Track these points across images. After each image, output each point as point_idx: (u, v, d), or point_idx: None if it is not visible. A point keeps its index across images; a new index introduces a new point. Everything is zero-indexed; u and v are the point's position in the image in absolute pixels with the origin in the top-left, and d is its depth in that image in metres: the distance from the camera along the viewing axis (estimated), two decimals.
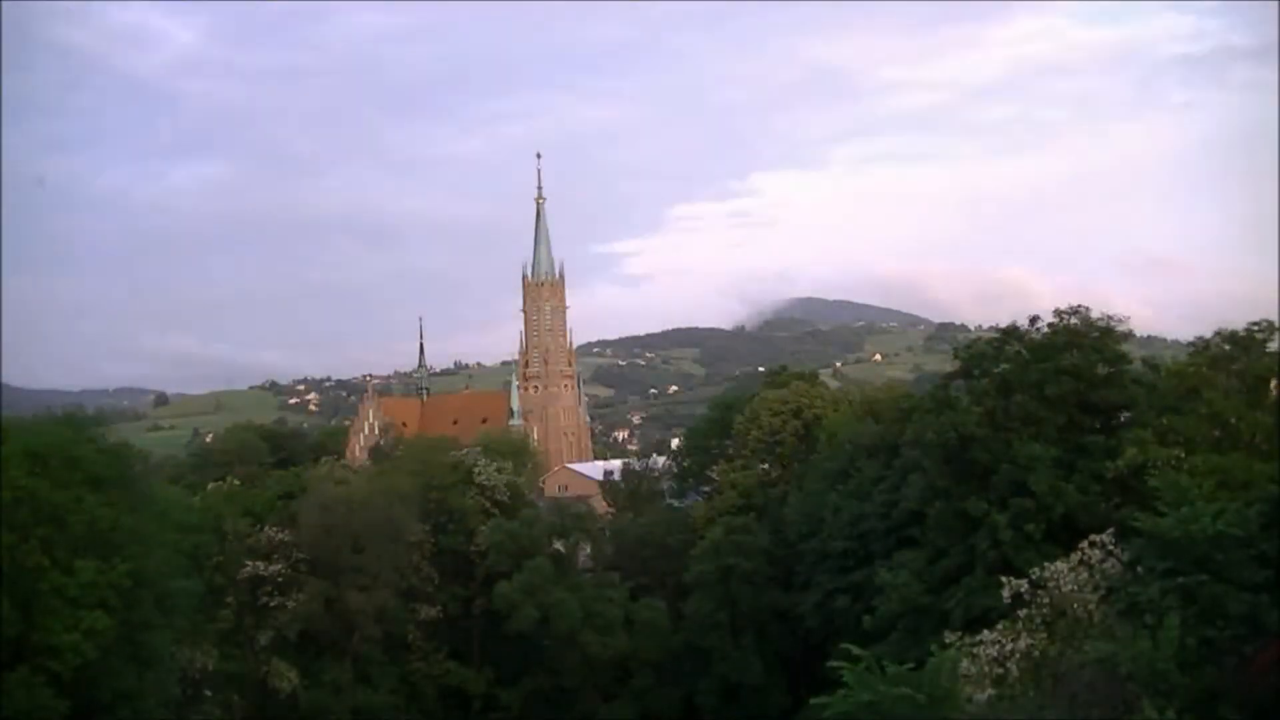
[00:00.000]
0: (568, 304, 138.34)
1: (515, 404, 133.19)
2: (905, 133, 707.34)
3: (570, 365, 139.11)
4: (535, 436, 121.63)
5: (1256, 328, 34.42)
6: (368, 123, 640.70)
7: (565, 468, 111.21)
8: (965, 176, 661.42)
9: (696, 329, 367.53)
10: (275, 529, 50.05)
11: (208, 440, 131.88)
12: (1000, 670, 26.28)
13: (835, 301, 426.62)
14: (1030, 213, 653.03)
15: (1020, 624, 27.44)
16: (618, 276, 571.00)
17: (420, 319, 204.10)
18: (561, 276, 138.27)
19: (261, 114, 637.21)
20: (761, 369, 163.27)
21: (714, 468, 63.79)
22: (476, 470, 57.38)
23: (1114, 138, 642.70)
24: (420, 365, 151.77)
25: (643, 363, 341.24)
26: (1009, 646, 26.75)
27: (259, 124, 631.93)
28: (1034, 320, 38.92)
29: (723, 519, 54.30)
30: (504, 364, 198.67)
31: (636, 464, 78.13)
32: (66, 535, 32.50)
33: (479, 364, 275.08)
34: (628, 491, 71.80)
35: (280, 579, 48.96)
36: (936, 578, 37.15)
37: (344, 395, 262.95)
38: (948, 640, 27.50)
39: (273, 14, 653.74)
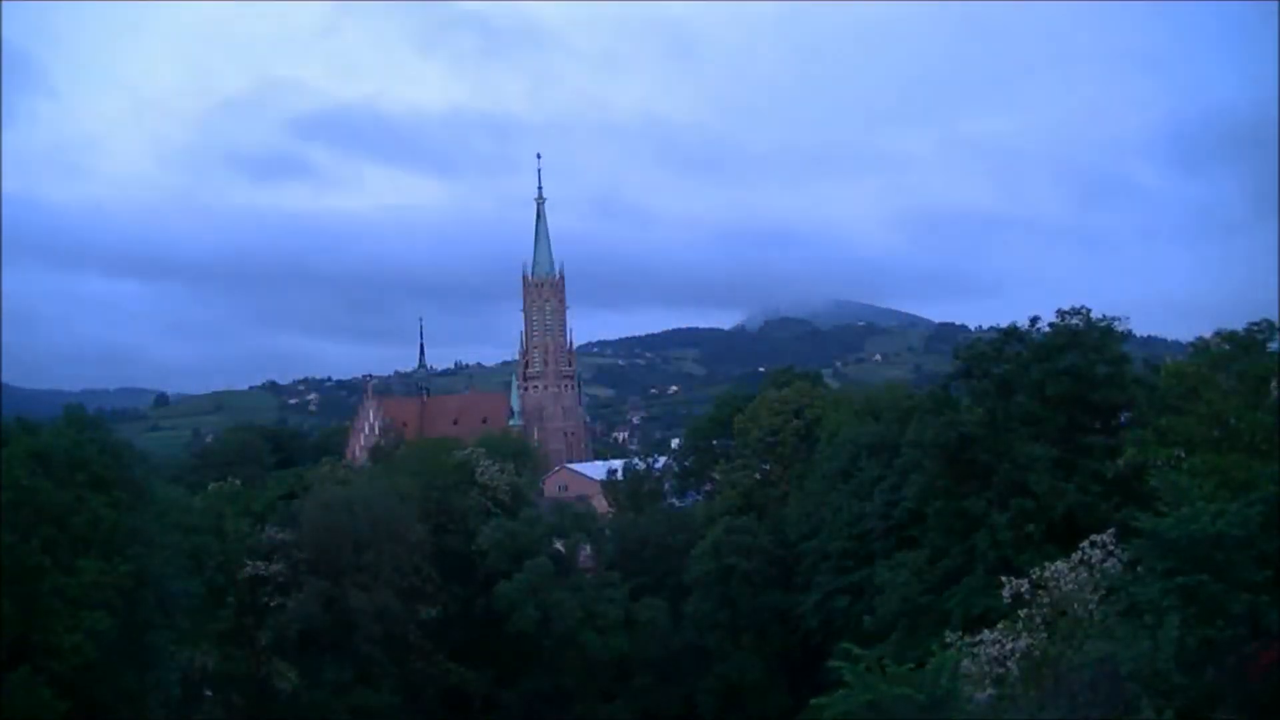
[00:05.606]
0: (567, 303, 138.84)
1: (515, 404, 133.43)
2: None
3: (570, 365, 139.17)
4: (535, 436, 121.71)
5: (1256, 328, 34.37)
6: None
7: (565, 468, 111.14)
8: None
9: (696, 329, 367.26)
10: (276, 529, 50.14)
11: (208, 440, 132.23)
12: (1000, 670, 26.27)
13: (835, 301, 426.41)
14: None
15: (1020, 624, 27.39)
16: None
17: (420, 319, 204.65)
18: (561, 276, 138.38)
19: None
20: (761, 369, 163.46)
21: (715, 467, 63.80)
22: (478, 470, 57.43)
23: None
24: (420, 365, 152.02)
25: (643, 363, 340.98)
26: (1009, 646, 26.70)
27: None
28: (1034, 320, 38.95)
29: (723, 519, 54.29)
30: (504, 364, 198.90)
31: (638, 463, 78.04)
32: (68, 535, 32.64)
33: (479, 364, 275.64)
34: (628, 491, 71.80)
35: (281, 579, 49.00)
36: (936, 577, 37.15)
37: (344, 395, 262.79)
38: (948, 640, 27.48)
39: None
